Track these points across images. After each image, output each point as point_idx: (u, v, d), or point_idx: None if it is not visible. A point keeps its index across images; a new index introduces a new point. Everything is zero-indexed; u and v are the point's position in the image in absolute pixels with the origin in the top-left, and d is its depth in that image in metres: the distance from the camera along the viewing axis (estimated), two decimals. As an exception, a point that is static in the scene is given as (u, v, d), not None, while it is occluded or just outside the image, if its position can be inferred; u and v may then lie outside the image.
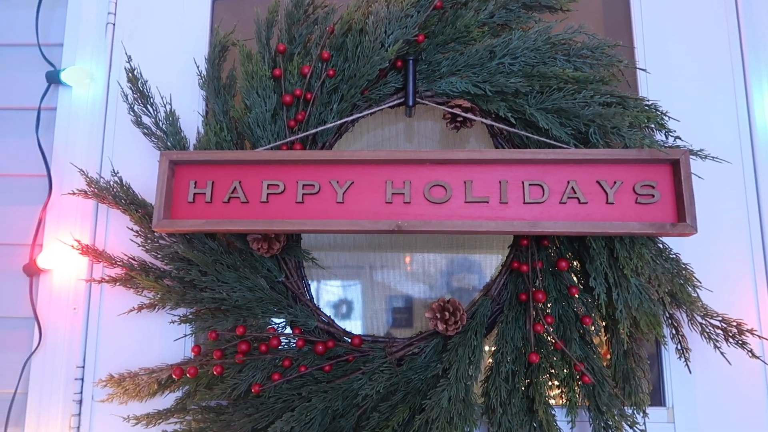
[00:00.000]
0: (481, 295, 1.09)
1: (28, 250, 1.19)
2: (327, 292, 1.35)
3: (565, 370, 1.00)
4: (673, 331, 1.02)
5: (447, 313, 1.02)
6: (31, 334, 1.16)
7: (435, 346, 1.05)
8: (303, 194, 1.01)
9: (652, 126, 1.05)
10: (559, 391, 1.02)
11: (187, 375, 1.01)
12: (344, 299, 1.34)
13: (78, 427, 1.12)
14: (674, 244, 1.06)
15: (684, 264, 1.00)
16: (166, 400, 1.09)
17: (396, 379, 1.02)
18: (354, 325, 1.27)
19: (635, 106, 1.04)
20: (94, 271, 1.17)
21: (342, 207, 1.01)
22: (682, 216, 0.92)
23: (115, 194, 1.11)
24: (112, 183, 1.12)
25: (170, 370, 1.05)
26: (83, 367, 1.14)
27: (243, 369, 1.03)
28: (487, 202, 0.98)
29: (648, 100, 1.05)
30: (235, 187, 1.03)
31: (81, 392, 1.13)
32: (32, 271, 1.17)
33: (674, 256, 1.01)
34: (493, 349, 1.05)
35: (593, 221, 0.95)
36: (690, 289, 0.99)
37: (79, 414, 1.12)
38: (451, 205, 0.99)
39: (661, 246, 1.01)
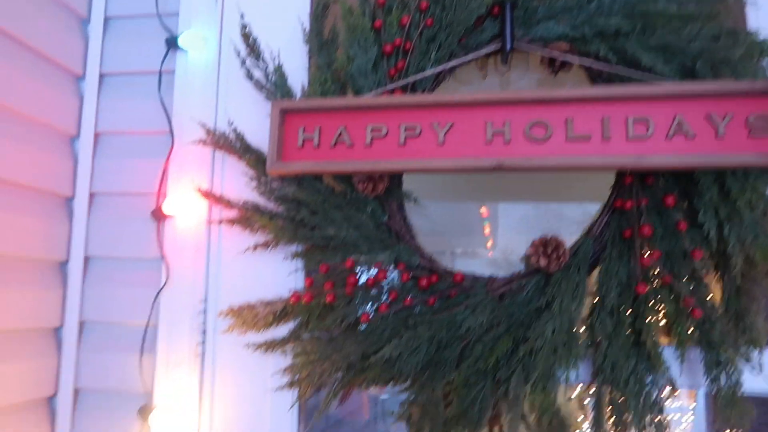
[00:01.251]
0: (582, 235, 1.10)
1: (154, 198, 1.31)
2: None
3: (673, 306, 0.99)
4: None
5: (549, 248, 1.04)
6: (159, 273, 1.29)
7: (536, 283, 1.07)
8: (405, 137, 1.06)
9: (765, 60, 1.01)
10: (667, 327, 1.01)
11: (303, 301, 1.09)
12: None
13: (203, 354, 1.23)
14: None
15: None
16: (281, 331, 1.17)
17: (498, 313, 1.06)
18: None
19: (746, 40, 1.01)
20: (213, 214, 1.28)
21: (443, 148, 1.05)
22: (802, 145, 0.89)
23: (230, 143, 1.21)
24: (227, 133, 1.22)
25: (284, 302, 1.14)
26: (206, 300, 1.25)
27: (351, 301, 1.10)
28: (589, 139, 0.99)
29: (759, 34, 1.01)
30: (340, 132, 1.09)
31: (204, 323, 1.24)
32: (159, 217, 1.29)
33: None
34: (595, 288, 1.06)
35: (704, 154, 0.93)
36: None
37: (204, 342, 1.24)
38: (551, 143, 1.01)
39: (776, 178, 0.98)
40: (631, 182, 1.06)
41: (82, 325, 1.33)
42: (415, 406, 1.06)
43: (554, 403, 1.01)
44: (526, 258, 1.06)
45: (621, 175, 1.08)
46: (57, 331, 1.32)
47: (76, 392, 1.30)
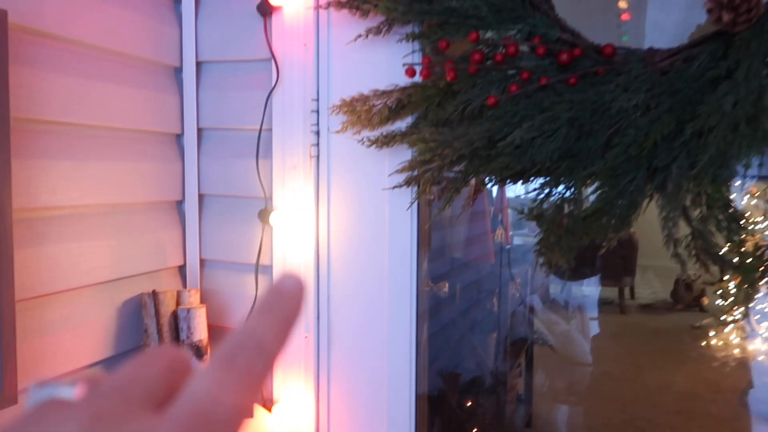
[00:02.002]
0: (785, -15, 0.83)
1: (260, -8, 1.20)
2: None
3: None
4: None
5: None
6: (269, 74, 1.21)
7: (712, 52, 0.84)
8: None
9: None
10: None
11: (420, 77, 0.95)
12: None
13: (317, 156, 1.17)
14: None
15: None
16: (398, 126, 1.06)
17: (659, 90, 0.85)
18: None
19: None
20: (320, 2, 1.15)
21: None
22: None
23: None
24: None
25: (399, 90, 1.02)
26: (317, 99, 1.17)
27: (476, 84, 0.95)
28: None
29: None
30: None
31: (317, 124, 1.17)
32: (265, 10, 1.18)
33: None
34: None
35: None
36: None
37: (317, 144, 1.17)
38: None
39: None
40: None
41: (200, 132, 1.31)
42: (550, 203, 0.92)
43: (727, 195, 0.82)
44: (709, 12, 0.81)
45: None
46: (178, 138, 1.32)
47: (201, 198, 1.32)
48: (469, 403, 2.28)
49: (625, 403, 2.94)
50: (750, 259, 0.82)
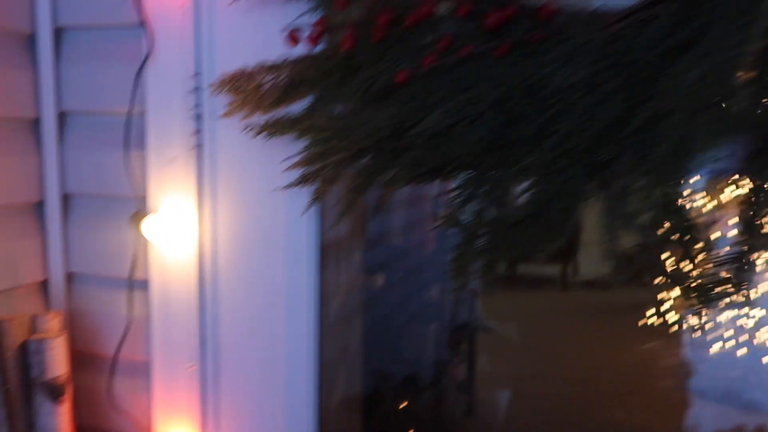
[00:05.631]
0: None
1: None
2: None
3: None
4: None
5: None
6: (139, 43, 0.98)
7: (675, 13, 0.67)
8: None
9: None
10: None
11: (308, 43, 0.75)
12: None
13: (200, 146, 0.96)
14: None
15: None
16: (293, 110, 0.86)
17: (606, 64, 0.68)
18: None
19: None
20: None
21: None
22: None
23: None
24: None
25: (291, 65, 0.81)
26: (199, 75, 0.95)
27: (383, 56, 0.75)
28: None
29: None
30: None
31: (199, 106, 0.95)
32: (131, -36, 0.95)
33: None
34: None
35: None
36: None
37: (199, 131, 0.95)
38: None
39: None
40: None
41: (62, 117, 1.07)
42: (474, 204, 0.74)
43: (678, 198, 0.67)
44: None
45: None
46: (34, 125, 1.07)
47: (66, 198, 1.08)
48: (405, 403, 2.15)
49: (567, 383, 2.94)
50: (709, 280, 0.67)
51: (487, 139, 0.71)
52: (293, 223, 0.92)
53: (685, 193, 0.67)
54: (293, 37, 0.77)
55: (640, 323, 2.99)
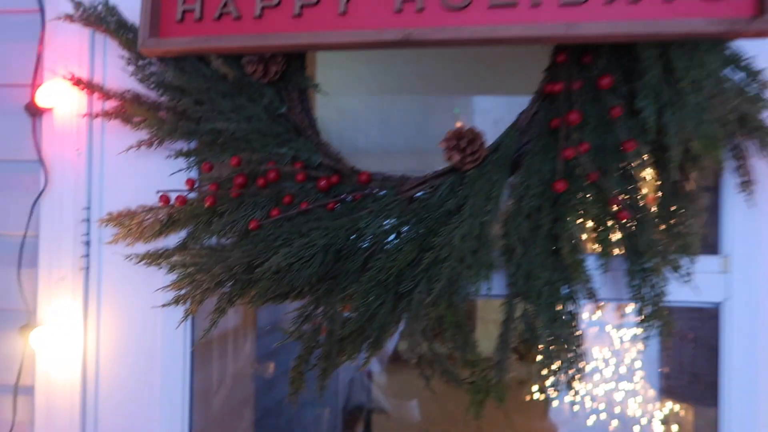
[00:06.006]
0: (509, 127, 0.95)
1: (29, 90, 1.12)
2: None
3: (599, 207, 0.86)
4: (737, 163, 0.85)
5: (463, 142, 0.89)
6: (38, 177, 1.13)
7: (451, 184, 0.93)
8: (301, 6, 0.88)
9: None
10: (592, 233, 0.88)
11: (176, 205, 0.94)
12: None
13: (87, 268, 1.10)
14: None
15: (757, 70, 0.81)
16: (170, 241, 1.04)
17: (406, 218, 0.92)
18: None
19: None
20: (94, 106, 1.10)
21: (344, 18, 0.87)
22: (763, 7, 0.72)
23: (101, 16, 1.01)
24: (98, 5, 1.02)
25: (169, 207, 0.99)
26: (89, 208, 1.10)
27: (241, 206, 0.96)
28: (515, 6, 0.82)
29: None
30: (226, 2, 0.90)
31: (88, 234, 1.10)
32: (34, 111, 1.11)
33: (746, 63, 0.81)
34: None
35: (647, 20, 0.76)
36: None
37: (88, 255, 1.10)
38: (470, 11, 0.83)
39: (728, 53, 0.81)
40: (566, 61, 0.89)
41: (-44, 235, 1.18)
42: (310, 324, 0.94)
43: (461, 317, 0.90)
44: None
45: (555, 53, 0.91)
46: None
47: (-45, 309, 1.17)
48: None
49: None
50: (481, 377, 0.89)
51: (319, 274, 0.92)
52: (169, 335, 1.07)
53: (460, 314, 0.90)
54: (164, 198, 0.96)
55: (527, 398, 3.22)
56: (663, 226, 0.85)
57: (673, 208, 0.85)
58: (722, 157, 0.81)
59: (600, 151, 0.86)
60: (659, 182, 0.85)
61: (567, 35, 0.78)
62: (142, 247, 1.05)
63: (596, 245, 0.87)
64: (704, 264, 0.92)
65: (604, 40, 0.80)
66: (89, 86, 1.05)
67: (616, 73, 0.85)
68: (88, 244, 1.10)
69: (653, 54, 0.81)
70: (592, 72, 0.87)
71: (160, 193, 0.96)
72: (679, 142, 0.80)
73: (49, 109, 1.11)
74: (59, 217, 1.11)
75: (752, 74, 0.81)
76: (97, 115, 1.06)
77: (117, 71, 1.09)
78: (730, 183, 0.89)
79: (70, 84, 1.05)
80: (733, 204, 0.92)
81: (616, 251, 0.87)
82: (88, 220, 1.10)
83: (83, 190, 1.10)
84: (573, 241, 0.84)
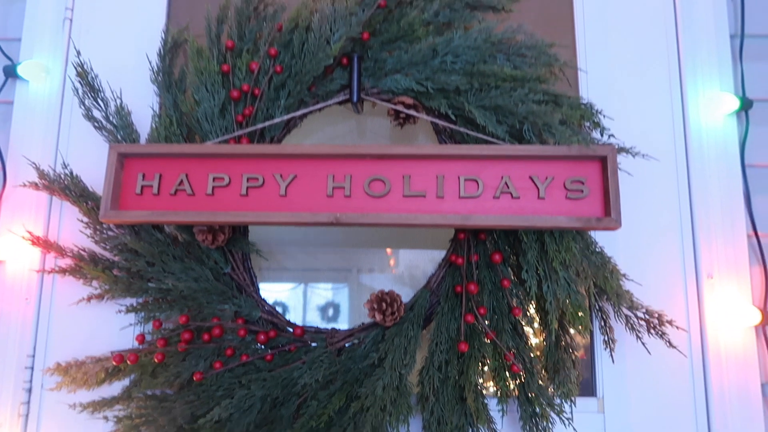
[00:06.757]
0: (421, 288, 1.12)
1: (-19, 242, 1.21)
2: (316, 296, 1.45)
3: (496, 361, 1.03)
4: (602, 323, 1.05)
5: (384, 304, 1.05)
6: (-16, 323, 1.18)
7: (374, 337, 1.08)
8: (248, 187, 1.04)
9: (588, 124, 1.08)
10: (493, 381, 1.05)
11: (128, 362, 1.03)
12: (331, 302, 1.42)
13: (27, 415, 1.14)
14: (607, 238, 1.09)
15: (609, 257, 1.04)
16: (114, 388, 1.11)
17: (335, 369, 1.05)
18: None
19: (569, 104, 1.07)
20: (47, 262, 1.19)
21: (285, 200, 1.03)
22: (608, 211, 0.95)
23: (65, 186, 1.14)
24: (62, 175, 1.15)
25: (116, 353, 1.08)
26: (33, 356, 1.16)
27: (186, 357, 1.06)
28: (424, 197, 1.01)
29: (583, 99, 1.08)
30: (182, 180, 1.05)
31: (30, 381, 1.15)
32: (-16, 262, 1.19)
33: (599, 249, 1.04)
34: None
35: (524, 215, 0.98)
36: (617, 281, 1.02)
37: (29, 402, 1.15)
38: (389, 199, 1.02)
39: (588, 240, 1.04)
40: (465, 238, 1.09)
41: None
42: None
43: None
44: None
45: (457, 231, 1.11)
46: None
47: None
48: None
49: None
50: None
51: (257, 421, 1.02)
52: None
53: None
54: (117, 358, 1.05)
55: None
56: (549, 376, 1.03)
57: (556, 360, 1.03)
58: (588, 320, 1.01)
59: (496, 312, 1.04)
60: (546, 338, 1.04)
61: (464, 224, 0.98)
62: (84, 394, 1.11)
63: (496, 391, 1.03)
64: (584, 404, 1.10)
65: (492, 227, 1.00)
66: (46, 244, 1.14)
67: (505, 248, 1.06)
68: (29, 391, 1.15)
69: (531, 238, 1.03)
70: (487, 247, 1.07)
71: (114, 353, 1.05)
72: (556, 309, 1.00)
73: (1, 261, 1.19)
74: (1, 363, 1.16)
75: (602, 256, 1.04)
76: (51, 271, 1.15)
77: (70, 230, 1.20)
78: (599, 338, 1.10)
79: (27, 240, 1.15)
80: (603, 354, 1.12)
81: (513, 396, 1.03)
82: (31, 368, 1.16)
83: (29, 338, 1.17)
84: (476, 390, 1.00)
